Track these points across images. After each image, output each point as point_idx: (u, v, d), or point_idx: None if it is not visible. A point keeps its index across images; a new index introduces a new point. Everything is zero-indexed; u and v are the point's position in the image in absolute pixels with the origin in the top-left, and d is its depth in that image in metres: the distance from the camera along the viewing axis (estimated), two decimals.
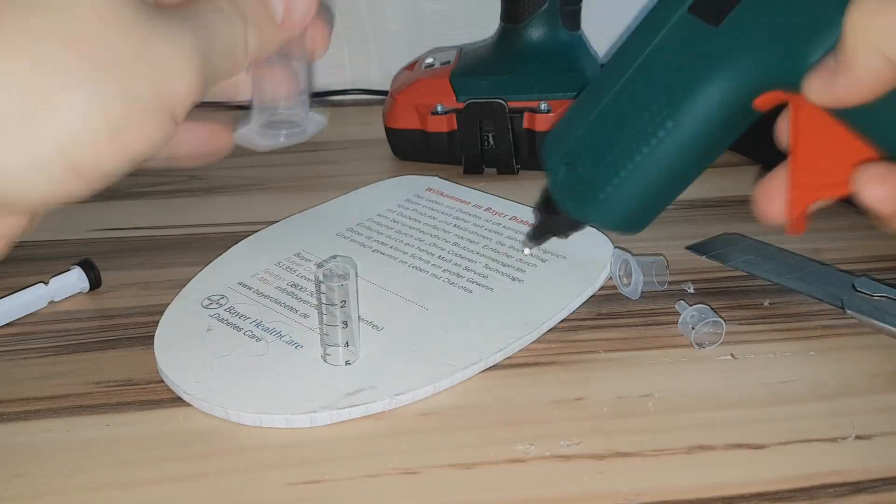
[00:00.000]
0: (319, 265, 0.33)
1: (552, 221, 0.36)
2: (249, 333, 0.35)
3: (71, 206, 0.25)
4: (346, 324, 0.32)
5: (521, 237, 0.42)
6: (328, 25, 0.30)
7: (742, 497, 0.27)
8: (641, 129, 0.30)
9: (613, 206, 0.32)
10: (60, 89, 0.23)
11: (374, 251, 0.41)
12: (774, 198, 0.30)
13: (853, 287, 0.36)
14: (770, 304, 0.38)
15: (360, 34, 0.66)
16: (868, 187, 0.26)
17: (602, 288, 0.39)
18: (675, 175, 0.31)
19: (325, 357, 0.33)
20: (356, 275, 0.33)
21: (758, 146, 0.53)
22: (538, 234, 0.38)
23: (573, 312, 0.37)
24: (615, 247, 0.40)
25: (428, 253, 0.41)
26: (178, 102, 0.25)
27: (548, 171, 0.34)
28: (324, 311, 0.32)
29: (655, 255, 0.40)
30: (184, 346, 0.34)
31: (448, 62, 0.53)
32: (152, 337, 0.35)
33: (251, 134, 0.30)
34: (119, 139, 0.24)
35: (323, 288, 0.32)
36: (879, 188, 0.26)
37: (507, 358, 0.34)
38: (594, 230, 0.42)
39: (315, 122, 0.31)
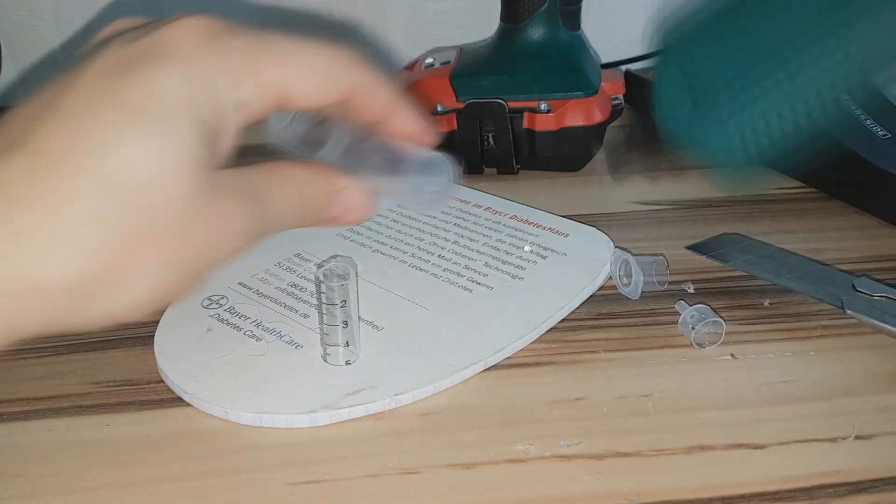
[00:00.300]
0: (319, 265, 0.33)
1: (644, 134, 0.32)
2: (249, 333, 0.35)
3: None
4: (346, 324, 0.32)
5: (522, 235, 0.42)
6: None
7: (742, 497, 0.27)
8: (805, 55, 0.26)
9: (739, 138, 0.28)
10: (124, 269, 0.24)
11: (374, 251, 0.41)
12: None
13: (853, 287, 0.36)
14: (770, 304, 0.38)
15: (361, 34, 0.66)
16: None
17: (602, 288, 0.39)
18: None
19: (325, 357, 0.33)
20: (356, 274, 0.33)
21: None
22: (624, 151, 0.34)
23: (573, 312, 0.37)
24: (615, 247, 0.40)
25: (428, 252, 0.41)
26: (219, 267, 0.26)
27: (660, 74, 0.30)
28: (324, 311, 0.32)
29: (655, 255, 0.40)
30: (184, 346, 0.34)
31: (448, 62, 0.53)
32: (152, 337, 0.35)
33: None
34: (162, 303, 0.26)
35: (323, 288, 0.32)
36: None
37: (507, 358, 0.34)
38: (595, 230, 0.42)
39: None
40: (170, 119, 0.24)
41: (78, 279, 0.24)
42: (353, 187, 0.30)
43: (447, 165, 0.29)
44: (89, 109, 0.24)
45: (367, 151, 0.30)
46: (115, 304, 0.25)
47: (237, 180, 0.27)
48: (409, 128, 0.30)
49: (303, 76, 0.27)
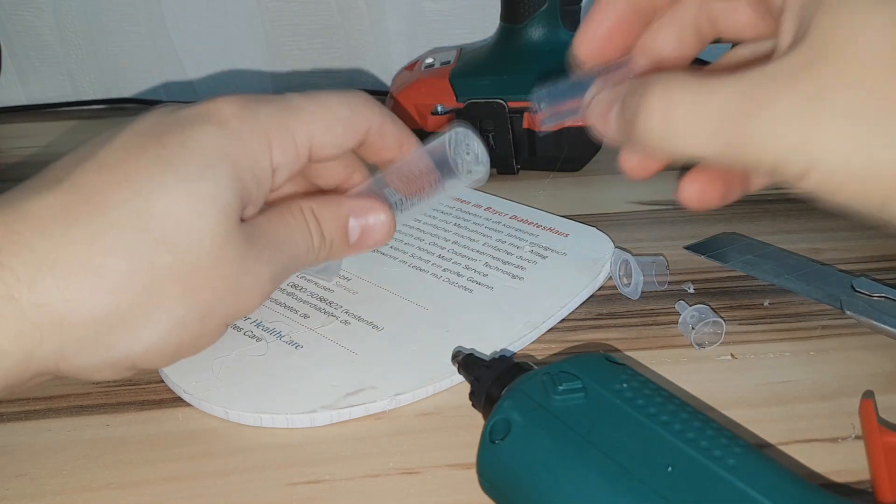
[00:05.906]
0: None
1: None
2: (249, 333, 0.35)
3: None
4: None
5: (522, 235, 0.42)
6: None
7: None
8: None
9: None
10: (148, 305, 0.25)
11: (373, 251, 0.41)
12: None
13: (852, 287, 0.36)
14: (770, 304, 0.38)
15: (360, 34, 0.66)
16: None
17: (602, 288, 0.39)
18: None
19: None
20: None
21: None
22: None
23: (573, 312, 0.37)
24: (615, 247, 0.40)
25: (428, 252, 0.41)
26: (241, 318, 0.28)
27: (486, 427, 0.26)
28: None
29: (655, 255, 0.40)
30: None
31: (448, 62, 0.53)
32: None
33: None
34: (182, 354, 0.27)
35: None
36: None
37: None
38: (595, 230, 0.42)
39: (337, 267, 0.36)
40: (204, 168, 0.25)
41: (102, 311, 0.24)
42: (368, 207, 0.31)
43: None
44: (126, 160, 0.25)
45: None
46: (135, 343, 0.25)
47: (259, 229, 0.28)
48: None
49: (327, 130, 0.29)
